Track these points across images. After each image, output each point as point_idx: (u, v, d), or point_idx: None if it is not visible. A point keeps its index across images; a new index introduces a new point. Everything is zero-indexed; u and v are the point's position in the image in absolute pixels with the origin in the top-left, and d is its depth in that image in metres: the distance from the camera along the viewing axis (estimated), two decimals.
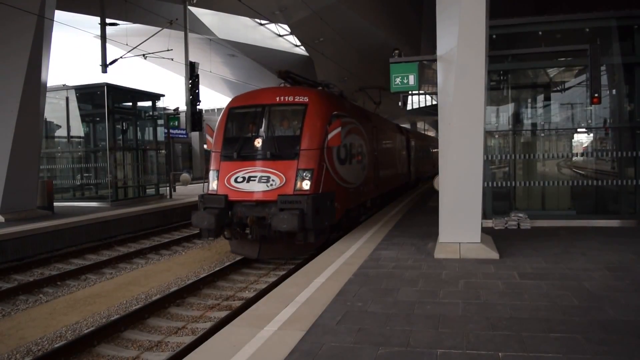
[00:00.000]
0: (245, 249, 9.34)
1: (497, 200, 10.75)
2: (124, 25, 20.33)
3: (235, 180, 8.90)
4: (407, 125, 44.99)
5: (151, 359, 5.79)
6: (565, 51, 10.08)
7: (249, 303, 7.02)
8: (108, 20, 18.34)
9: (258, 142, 9.05)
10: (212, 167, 9.37)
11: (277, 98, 9.47)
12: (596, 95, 8.24)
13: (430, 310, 5.07)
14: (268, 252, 9.19)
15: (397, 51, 8.08)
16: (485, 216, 9.84)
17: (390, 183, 16.47)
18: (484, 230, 8.22)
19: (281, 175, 8.68)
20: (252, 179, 8.82)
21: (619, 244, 8.08)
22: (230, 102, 10.19)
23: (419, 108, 50.83)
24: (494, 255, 7.34)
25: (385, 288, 5.93)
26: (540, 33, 10.53)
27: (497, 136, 11.33)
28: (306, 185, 8.64)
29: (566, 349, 3.96)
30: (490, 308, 5.05)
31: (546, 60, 11.05)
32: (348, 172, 10.47)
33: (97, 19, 18.40)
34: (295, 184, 8.64)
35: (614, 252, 7.53)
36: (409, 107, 48.06)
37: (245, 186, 8.81)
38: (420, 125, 63.72)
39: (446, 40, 7.48)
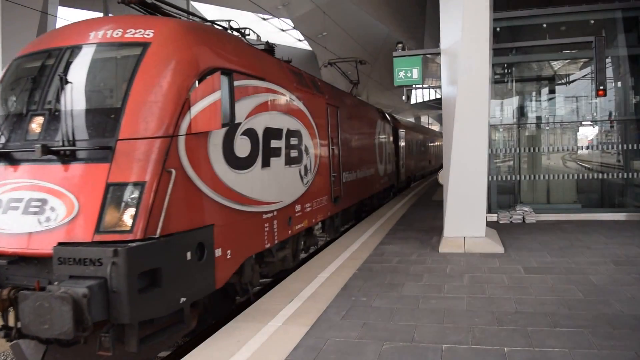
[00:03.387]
0: (29, 350, 4.67)
1: (501, 194, 10.74)
2: None
3: None
4: (411, 119, 44.85)
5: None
6: (570, 43, 10.01)
7: (253, 298, 7.02)
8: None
9: (37, 125, 4.49)
10: None
11: (92, 34, 4.78)
12: (601, 87, 8.19)
13: (435, 304, 5.06)
14: None
15: (400, 45, 8.06)
16: (490, 210, 9.82)
17: (364, 190, 12.08)
18: (489, 224, 8.20)
19: (70, 197, 4.12)
20: (14, 204, 4.27)
21: (624, 238, 8.03)
22: (23, 48, 5.42)
23: (423, 102, 50.68)
24: (499, 249, 7.32)
25: (389, 283, 5.93)
26: (544, 25, 10.46)
27: (501, 130, 11.28)
28: (129, 217, 4.05)
29: (572, 343, 3.95)
30: (496, 302, 5.03)
31: (551, 53, 10.99)
32: (257, 183, 5.83)
33: (100, 15, 18.45)
34: (102, 217, 4.05)
35: (620, 245, 7.49)
36: (412, 101, 48.02)
37: None
38: (424, 119, 63.56)
39: (450, 34, 7.44)
